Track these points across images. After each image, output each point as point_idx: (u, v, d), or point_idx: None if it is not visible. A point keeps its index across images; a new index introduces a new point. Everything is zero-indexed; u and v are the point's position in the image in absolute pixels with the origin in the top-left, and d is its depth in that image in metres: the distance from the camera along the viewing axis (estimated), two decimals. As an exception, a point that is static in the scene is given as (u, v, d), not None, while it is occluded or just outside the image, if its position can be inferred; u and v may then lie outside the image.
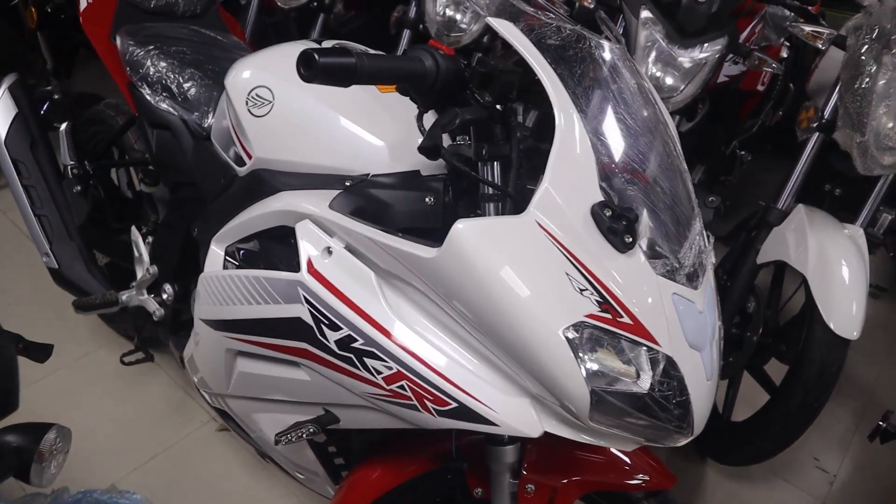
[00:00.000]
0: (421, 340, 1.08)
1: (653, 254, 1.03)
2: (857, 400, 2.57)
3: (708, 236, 1.16)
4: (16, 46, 3.67)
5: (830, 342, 1.81)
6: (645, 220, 1.04)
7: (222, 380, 1.46)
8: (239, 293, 1.29)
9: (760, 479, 2.24)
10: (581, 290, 0.96)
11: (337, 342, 1.12)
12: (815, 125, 1.97)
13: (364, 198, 1.23)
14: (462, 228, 0.95)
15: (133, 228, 1.94)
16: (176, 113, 1.73)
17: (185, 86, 1.74)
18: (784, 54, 2.74)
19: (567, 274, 0.96)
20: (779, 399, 1.96)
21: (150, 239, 1.92)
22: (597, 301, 0.97)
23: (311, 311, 1.14)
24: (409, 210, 1.23)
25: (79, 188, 2.06)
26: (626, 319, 0.98)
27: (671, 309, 1.02)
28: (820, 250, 1.86)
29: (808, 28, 1.97)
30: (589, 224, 0.99)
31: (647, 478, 1.32)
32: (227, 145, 1.55)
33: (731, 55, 2.10)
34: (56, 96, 3.36)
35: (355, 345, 1.10)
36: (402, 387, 1.08)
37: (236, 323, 1.32)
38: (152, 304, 1.87)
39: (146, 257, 1.89)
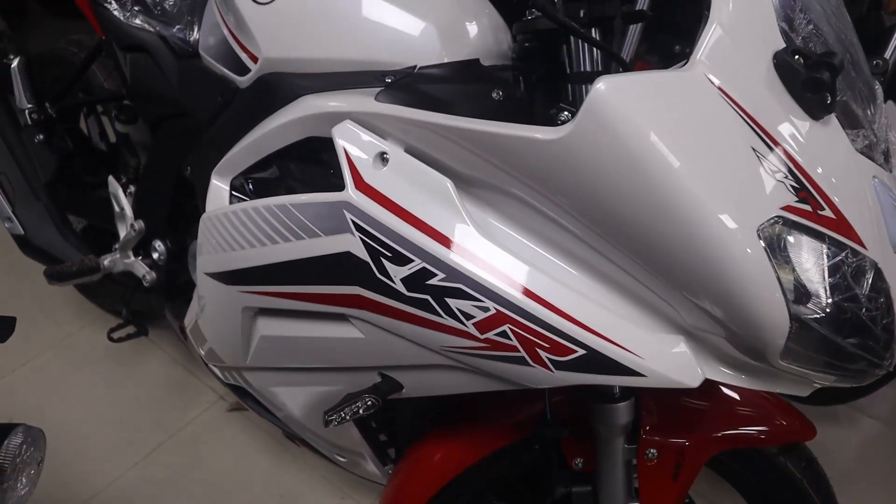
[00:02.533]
0: (527, 268, 0.78)
1: (847, 122, 0.75)
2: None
3: (882, 108, 0.87)
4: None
5: None
6: None
7: (238, 349, 1.16)
8: (257, 231, 0.98)
9: (845, 418, 1.99)
10: (773, 172, 0.67)
11: (405, 280, 0.82)
12: (909, 4, 1.68)
13: (413, 94, 0.92)
14: (605, 90, 0.65)
15: (111, 178, 1.62)
16: (152, 29, 1.41)
17: (160, -6, 1.41)
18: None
19: (753, 149, 0.67)
20: None
21: (131, 189, 1.61)
22: (793, 187, 0.67)
23: (364, 242, 0.84)
24: (473, 108, 0.93)
25: (41, 137, 1.73)
26: (828, 213, 0.69)
27: (873, 197, 0.74)
28: None
29: None
30: (772, 79, 0.70)
31: (785, 429, 1.06)
32: (223, 58, 1.23)
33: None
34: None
35: (432, 281, 0.80)
36: (503, 333, 0.78)
37: (254, 272, 1.02)
38: (141, 268, 1.57)
39: (129, 211, 1.58)
